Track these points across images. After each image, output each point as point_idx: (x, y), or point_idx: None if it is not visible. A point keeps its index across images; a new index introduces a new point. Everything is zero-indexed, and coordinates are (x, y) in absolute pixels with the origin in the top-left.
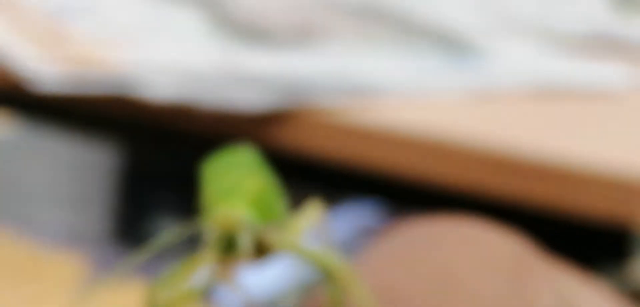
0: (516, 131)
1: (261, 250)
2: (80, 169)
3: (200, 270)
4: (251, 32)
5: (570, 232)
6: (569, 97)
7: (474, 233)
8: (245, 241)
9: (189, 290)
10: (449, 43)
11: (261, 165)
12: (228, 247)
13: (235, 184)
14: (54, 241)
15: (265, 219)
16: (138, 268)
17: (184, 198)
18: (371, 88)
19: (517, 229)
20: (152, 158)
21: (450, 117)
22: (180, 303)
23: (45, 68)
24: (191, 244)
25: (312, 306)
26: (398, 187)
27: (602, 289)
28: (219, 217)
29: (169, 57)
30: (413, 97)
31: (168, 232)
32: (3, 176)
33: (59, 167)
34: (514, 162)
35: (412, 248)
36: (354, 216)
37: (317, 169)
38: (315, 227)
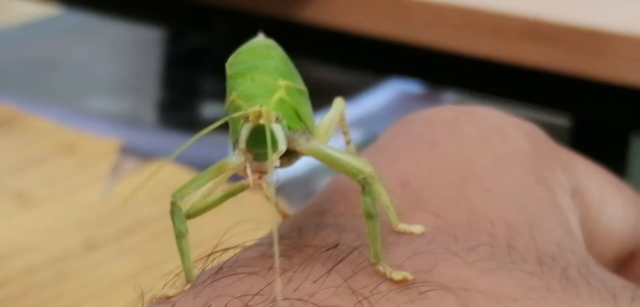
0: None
1: (288, 156)
2: (123, 52)
3: (230, 172)
4: None
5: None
6: None
7: (492, 125)
8: (279, 134)
9: (219, 193)
10: None
11: (285, 61)
12: (258, 147)
13: (262, 85)
14: (94, 124)
15: (291, 121)
16: (178, 157)
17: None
18: None
19: (552, 101)
20: (196, 45)
21: None
22: (209, 206)
23: None
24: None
25: (340, 190)
26: (433, 65)
27: (618, 183)
28: (251, 114)
29: None
30: None
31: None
32: (45, 57)
33: (101, 49)
34: (550, 29)
35: (428, 139)
36: (390, 97)
37: (354, 49)
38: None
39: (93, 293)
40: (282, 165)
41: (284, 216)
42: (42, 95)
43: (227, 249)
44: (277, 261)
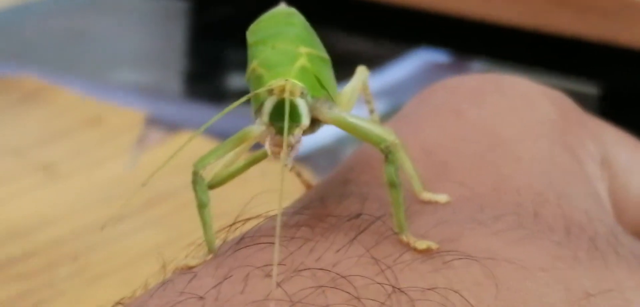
0: None
1: (310, 124)
2: (149, 23)
3: (252, 141)
4: None
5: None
6: None
7: (518, 93)
8: (302, 109)
9: (241, 162)
10: None
11: (307, 29)
12: (281, 121)
13: (283, 53)
14: (120, 96)
15: (314, 90)
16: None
17: None
18: None
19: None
20: (222, 16)
21: None
22: (231, 175)
23: None
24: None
25: (364, 160)
26: (460, 34)
27: None
28: (276, 88)
29: None
30: None
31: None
32: (71, 29)
33: (128, 21)
34: None
35: (453, 108)
36: (417, 66)
37: (379, 18)
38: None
39: (118, 265)
40: (304, 132)
41: (308, 187)
42: (68, 68)
43: (249, 219)
44: (277, 243)
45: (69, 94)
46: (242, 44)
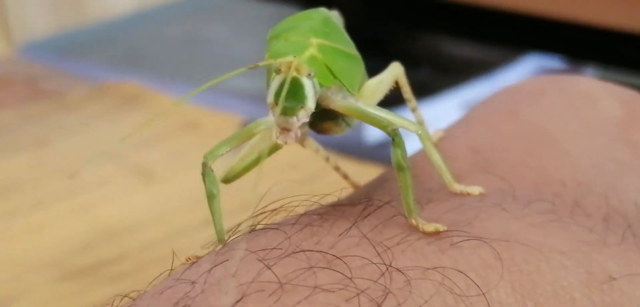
0: None
1: (334, 119)
2: (259, 30)
3: (261, 132)
4: None
5: None
6: None
7: (579, 92)
8: (308, 90)
9: (254, 155)
10: None
11: (327, 24)
12: (287, 101)
13: (294, 43)
14: (223, 101)
15: (323, 78)
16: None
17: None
18: None
19: None
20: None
21: None
22: (246, 169)
23: None
24: None
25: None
26: (573, 39)
27: None
28: (282, 65)
29: None
30: None
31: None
32: (183, 36)
33: (238, 29)
34: None
35: (508, 109)
36: (528, 72)
37: (490, 23)
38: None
39: None
40: (331, 131)
41: (355, 187)
42: (178, 74)
43: (264, 212)
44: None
45: (168, 99)
46: (361, 50)
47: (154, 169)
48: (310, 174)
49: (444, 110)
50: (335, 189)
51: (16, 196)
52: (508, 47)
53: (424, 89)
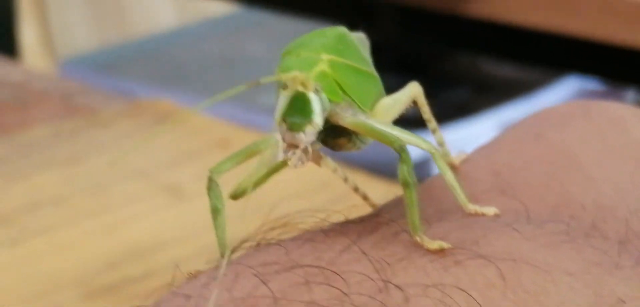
0: None
1: (347, 136)
2: None
3: (268, 149)
4: None
5: None
6: None
7: (608, 117)
8: (315, 105)
9: (262, 171)
10: None
11: (341, 41)
12: (293, 116)
13: (304, 59)
14: (258, 120)
15: (332, 94)
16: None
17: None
18: None
19: None
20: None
21: None
22: (254, 185)
23: None
24: None
25: (429, 185)
26: (613, 62)
27: None
28: (288, 80)
29: None
30: None
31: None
32: (223, 53)
33: (277, 46)
34: None
35: (534, 133)
36: (567, 94)
37: (529, 44)
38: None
39: None
40: (345, 147)
41: (374, 207)
42: (216, 91)
43: (274, 228)
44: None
45: (200, 116)
46: (380, 69)
47: (183, 186)
48: (338, 194)
49: (481, 131)
50: (362, 209)
51: (46, 212)
52: (548, 68)
53: (462, 109)
